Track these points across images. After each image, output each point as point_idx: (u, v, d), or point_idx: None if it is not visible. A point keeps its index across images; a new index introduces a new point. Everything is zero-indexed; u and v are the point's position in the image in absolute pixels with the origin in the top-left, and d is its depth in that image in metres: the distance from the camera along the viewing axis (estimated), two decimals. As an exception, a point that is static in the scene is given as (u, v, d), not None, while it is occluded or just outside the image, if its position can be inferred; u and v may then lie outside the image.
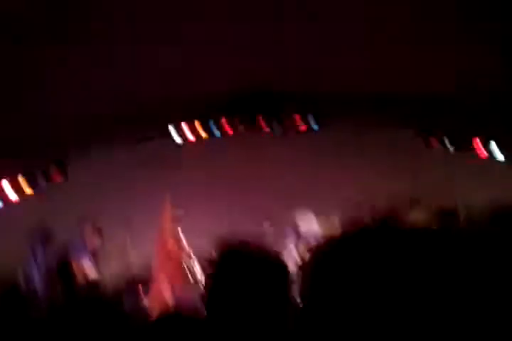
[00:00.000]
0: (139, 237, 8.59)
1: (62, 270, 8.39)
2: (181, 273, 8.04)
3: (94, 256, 8.49)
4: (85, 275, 8.31)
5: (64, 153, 11.18)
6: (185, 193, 10.55)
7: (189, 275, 8.78)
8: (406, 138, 11.40)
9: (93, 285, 8.20)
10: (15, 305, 7.46)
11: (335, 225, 8.92)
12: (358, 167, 10.80)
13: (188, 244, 8.56)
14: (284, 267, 1.71)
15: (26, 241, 8.62)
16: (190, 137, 11.54)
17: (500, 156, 10.96)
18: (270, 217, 9.03)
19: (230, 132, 11.55)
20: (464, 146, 11.34)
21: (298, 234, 8.48)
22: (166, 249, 7.62)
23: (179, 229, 7.98)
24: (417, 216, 7.37)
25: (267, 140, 11.47)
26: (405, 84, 9.77)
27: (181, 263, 8.02)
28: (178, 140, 11.50)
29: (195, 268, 8.72)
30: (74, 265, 8.37)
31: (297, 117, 11.74)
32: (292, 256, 8.42)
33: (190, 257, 8.79)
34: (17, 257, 8.87)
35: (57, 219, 9.15)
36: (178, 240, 7.71)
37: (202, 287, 1.75)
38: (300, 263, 8.17)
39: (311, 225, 8.46)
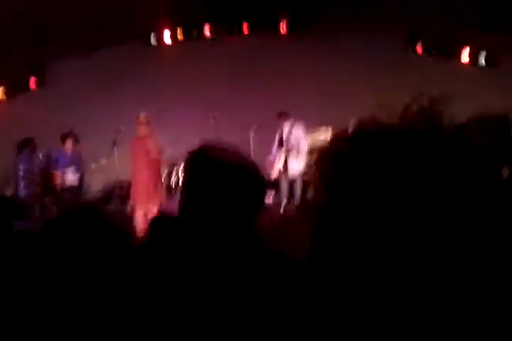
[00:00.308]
0: (122, 146, 8.49)
1: (45, 178, 8.43)
2: (161, 181, 8.05)
3: (76, 165, 8.45)
4: (66, 183, 8.32)
5: (42, 62, 10.95)
6: (168, 100, 10.47)
7: (170, 183, 8.84)
8: (392, 44, 11.20)
9: (75, 193, 8.28)
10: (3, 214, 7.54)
11: (324, 136, 8.92)
12: (347, 76, 10.60)
13: (169, 153, 8.54)
14: (256, 175, 1.62)
15: (10, 151, 8.64)
16: (169, 41, 11.24)
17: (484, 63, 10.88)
18: (257, 124, 8.91)
19: (210, 36, 11.27)
20: (451, 53, 11.20)
21: (283, 142, 8.43)
22: (145, 157, 7.54)
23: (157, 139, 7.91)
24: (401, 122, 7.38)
25: (251, 45, 11.17)
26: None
27: (160, 170, 8.01)
28: (153, 42, 11.24)
29: (176, 176, 8.75)
30: (56, 174, 8.37)
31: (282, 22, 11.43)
32: (276, 163, 8.45)
33: (172, 165, 8.80)
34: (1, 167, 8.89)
35: (39, 129, 9.04)
36: (157, 149, 7.63)
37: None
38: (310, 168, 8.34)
39: (298, 134, 8.41)
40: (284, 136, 8.40)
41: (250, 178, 1.57)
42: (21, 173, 8.36)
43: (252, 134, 8.90)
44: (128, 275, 1.60)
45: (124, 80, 10.95)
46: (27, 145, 8.49)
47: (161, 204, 7.56)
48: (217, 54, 11.41)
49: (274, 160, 8.45)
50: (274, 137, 8.60)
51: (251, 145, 8.66)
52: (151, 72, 10.91)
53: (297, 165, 8.37)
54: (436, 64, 11.03)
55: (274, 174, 8.38)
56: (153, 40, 11.52)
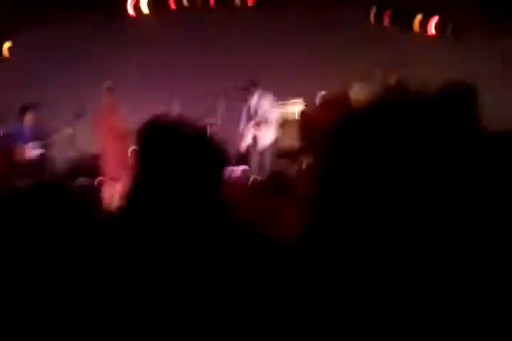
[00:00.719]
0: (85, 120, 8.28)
1: (5, 156, 8.17)
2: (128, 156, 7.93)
3: (38, 139, 8.17)
4: (30, 160, 8.07)
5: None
6: (134, 71, 10.27)
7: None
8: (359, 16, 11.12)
9: (38, 168, 8.03)
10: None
11: (295, 108, 8.83)
12: (317, 48, 10.49)
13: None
14: (212, 146, 1.55)
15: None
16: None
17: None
18: (224, 96, 8.73)
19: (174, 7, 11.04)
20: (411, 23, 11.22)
21: (251, 115, 8.31)
22: (111, 133, 7.41)
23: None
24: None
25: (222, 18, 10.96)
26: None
27: (126, 142, 7.88)
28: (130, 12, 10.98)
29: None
30: (18, 150, 8.10)
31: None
32: (244, 135, 8.34)
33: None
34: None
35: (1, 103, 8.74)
36: (122, 123, 7.49)
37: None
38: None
39: (267, 105, 8.29)
40: (252, 108, 8.27)
41: (206, 150, 1.50)
42: None
43: (221, 104, 8.72)
44: (94, 252, 1.52)
45: (85, 53, 10.70)
46: None
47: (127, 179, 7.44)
48: (184, 23, 11.22)
49: (243, 131, 8.31)
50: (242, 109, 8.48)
51: (219, 116, 8.53)
52: (114, 44, 10.66)
53: (267, 138, 8.27)
54: (402, 34, 11.02)
55: (244, 146, 8.28)
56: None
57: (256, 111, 8.26)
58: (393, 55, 9.97)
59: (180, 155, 1.47)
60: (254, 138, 8.30)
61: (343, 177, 0.70)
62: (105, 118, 7.45)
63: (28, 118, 8.14)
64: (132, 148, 8.57)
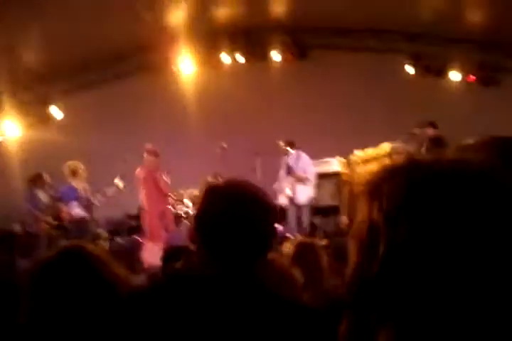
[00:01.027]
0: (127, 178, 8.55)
1: (53, 213, 8.50)
2: (169, 211, 8.14)
3: (83, 198, 8.49)
4: (74, 217, 8.35)
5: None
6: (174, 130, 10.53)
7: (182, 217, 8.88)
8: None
9: (83, 226, 8.30)
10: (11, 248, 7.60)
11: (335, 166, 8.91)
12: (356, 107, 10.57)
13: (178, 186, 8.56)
14: (267, 203, 1.65)
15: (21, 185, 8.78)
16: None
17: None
18: (262, 152, 8.94)
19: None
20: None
21: (289, 172, 8.48)
22: (154, 188, 7.66)
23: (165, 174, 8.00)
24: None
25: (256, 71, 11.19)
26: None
27: (172, 207, 8.15)
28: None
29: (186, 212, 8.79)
30: (63, 208, 8.41)
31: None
32: (284, 191, 8.46)
33: (180, 200, 8.86)
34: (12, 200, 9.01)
35: (49, 163, 9.11)
36: (164, 180, 7.75)
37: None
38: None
39: (305, 162, 8.48)
40: (292, 164, 8.44)
41: (265, 210, 1.59)
42: (30, 209, 8.47)
43: (257, 163, 8.94)
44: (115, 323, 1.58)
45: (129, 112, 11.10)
46: (36, 181, 8.63)
47: (169, 234, 7.64)
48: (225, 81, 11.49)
49: (281, 188, 8.46)
50: (279, 166, 8.66)
51: (257, 174, 8.68)
52: (157, 103, 11.02)
53: (305, 193, 8.36)
54: (440, 85, 10.96)
55: (283, 202, 8.39)
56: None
57: (293, 169, 8.40)
58: (431, 109, 9.99)
59: (240, 215, 1.56)
60: (293, 195, 8.39)
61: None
62: (149, 177, 7.71)
63: (77, 178, 8.49)
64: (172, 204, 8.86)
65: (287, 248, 3.34)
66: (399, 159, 0.81)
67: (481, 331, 0.68)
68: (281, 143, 8.63)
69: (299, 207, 8.42)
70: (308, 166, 8.51)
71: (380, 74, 10.55)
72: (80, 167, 8.46)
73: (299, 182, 8.39)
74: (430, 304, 0.69)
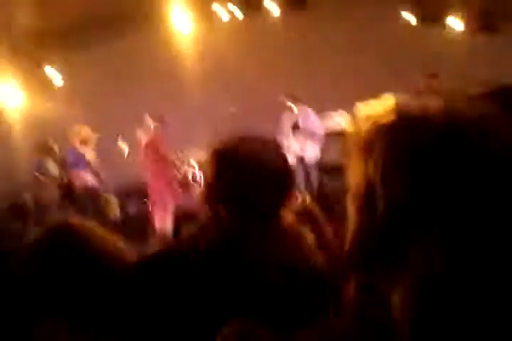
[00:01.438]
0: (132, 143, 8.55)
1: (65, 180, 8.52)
2: (176, 179, 8.18)
3: (90, 165, 8.48)
4: (86, 184, 8.38)
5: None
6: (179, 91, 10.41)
7: (189, 180, 8.92)
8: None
9: (93, 193, 8.36)
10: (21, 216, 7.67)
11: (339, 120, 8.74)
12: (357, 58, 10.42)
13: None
14: (284, 159, 1.66)
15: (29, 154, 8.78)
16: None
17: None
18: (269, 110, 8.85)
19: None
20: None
21: (297, 127, 8.34)
22: (159, 160, 7.68)
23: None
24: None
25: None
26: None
27: (177, 169, 8.17)
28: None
29: (193, 174, 8.80)
30: (75, 175, 8.42)
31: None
32: (290, 148, 8.32)
33: (185, 163, 8.86)
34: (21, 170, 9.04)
35: (56, 129, 9.05)
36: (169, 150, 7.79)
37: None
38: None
39: (314, 119, 8.38)
40: (300, 121, 8.30)
41: (279, 173, 1.58)
42: (39, 178, 8.48)
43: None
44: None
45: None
46: (43, 149, 8.58)
47: (178, 202, 7.71)
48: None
49: (287, 146, 8.24)
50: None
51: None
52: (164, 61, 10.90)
53: (313, 151, 8.30)
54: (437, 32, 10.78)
55: (291, 160, 8.32)
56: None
57: (299, 126, 8.29)
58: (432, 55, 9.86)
59: (251, 172, 1.54)
60: (302, 153, 8.33)
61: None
62: (153, 148, 7.72)
63: (88, 146, 8.48)
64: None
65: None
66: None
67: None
68: (285, 99, 8.38)
69: (306, 166, 8.33)
70: (316, 122, 8.35)
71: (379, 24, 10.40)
72: (91, 134, 8.41)
73: (308, 140, 8.24)
74: (433, 256, 0.69)
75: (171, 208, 7.57)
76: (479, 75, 7.97)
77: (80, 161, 8.36)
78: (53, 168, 8.51)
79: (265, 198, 1.55)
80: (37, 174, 8.45)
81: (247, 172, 1.54)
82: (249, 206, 1.55)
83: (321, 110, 8.84)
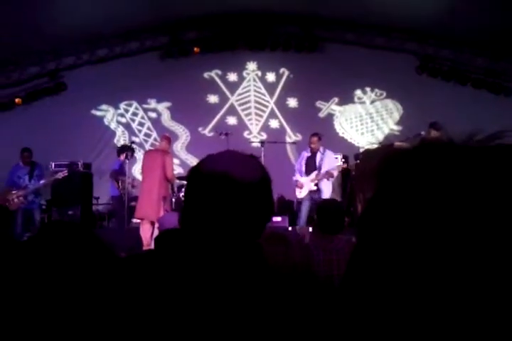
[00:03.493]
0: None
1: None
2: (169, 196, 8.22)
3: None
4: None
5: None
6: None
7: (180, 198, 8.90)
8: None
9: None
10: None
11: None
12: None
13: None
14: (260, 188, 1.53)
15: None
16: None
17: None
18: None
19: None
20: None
21: (316, 165, 8.48)
22: (160, 171, 7.71)
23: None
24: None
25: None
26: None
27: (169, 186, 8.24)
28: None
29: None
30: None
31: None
32: (304, 185, 8.49)
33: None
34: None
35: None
36: (172, 165, 7.84)
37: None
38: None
39: (332, 158, 8.58)
40: (318, 159, 8.45)
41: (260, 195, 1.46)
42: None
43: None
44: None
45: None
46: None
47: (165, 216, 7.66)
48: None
49: (302, 183, 8.47)
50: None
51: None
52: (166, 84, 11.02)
53: (328, 189, 8.43)
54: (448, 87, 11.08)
55: (301, 194, 8.41)
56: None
57: (319, 165, 8.43)
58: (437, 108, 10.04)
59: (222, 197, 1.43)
60: (316, 190, 8.42)
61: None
62: (157, 159, 7.75)
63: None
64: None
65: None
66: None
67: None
68: (315, 138, 8.49)
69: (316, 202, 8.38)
70: (334, 162, 8.52)
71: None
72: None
73: (325, 179, 8.37)
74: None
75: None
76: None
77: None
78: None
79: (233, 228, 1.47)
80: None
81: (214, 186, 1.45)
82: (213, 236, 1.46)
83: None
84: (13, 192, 8.37)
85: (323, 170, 8.35)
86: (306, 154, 8.61)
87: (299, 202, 8.67)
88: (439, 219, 0.63)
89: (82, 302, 1.50)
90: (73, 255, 1.77)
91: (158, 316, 1.33)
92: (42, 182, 8.60)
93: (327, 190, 8.38)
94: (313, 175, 8.40)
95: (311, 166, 8.48)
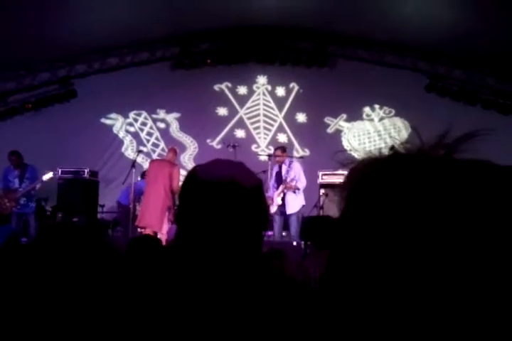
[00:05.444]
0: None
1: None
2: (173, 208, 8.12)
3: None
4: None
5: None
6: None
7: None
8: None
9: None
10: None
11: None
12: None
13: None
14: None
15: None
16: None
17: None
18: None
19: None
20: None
21: (282, 178, 8.40)
22: (166, 181, 7.70)
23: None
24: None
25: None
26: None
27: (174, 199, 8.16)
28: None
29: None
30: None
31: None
32: (275, 198, 8.34)
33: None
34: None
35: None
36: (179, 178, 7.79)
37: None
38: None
39: (298, 170, 8.42)
40: (284, 172, 8.36)
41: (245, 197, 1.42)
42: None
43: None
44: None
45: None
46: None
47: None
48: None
49: (273, 195, 8.33)
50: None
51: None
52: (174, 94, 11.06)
53: (296, 203, 8.30)
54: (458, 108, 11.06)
55: (273, 209, 8.25)
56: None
57: (285, 177, 8.32)
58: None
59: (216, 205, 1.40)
60: (283, 201, 8.32)
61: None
62: (164, 168, 7.73)
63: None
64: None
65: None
66: None
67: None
68: (279, 152, 8.49)
69: (286, 216, 8.33)
70: (300, 175, 8.36)
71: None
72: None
73: (290, 192, 8.26)
74: None
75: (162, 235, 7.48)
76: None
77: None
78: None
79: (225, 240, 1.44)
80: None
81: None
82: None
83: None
84: (3, 195, 8.22)
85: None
86: (276, 169, 8.55)
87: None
88: (401, 229, 0.63)
89: (91, 303, 1.48)
90: (81, 256, 1.71)
91: (158, 318, 1.32)
92: (32, 185, 8.30)
93: (292, 204, 8.25)
94: (280, 188, 8.32)
95: (279, 180, 8.41)
